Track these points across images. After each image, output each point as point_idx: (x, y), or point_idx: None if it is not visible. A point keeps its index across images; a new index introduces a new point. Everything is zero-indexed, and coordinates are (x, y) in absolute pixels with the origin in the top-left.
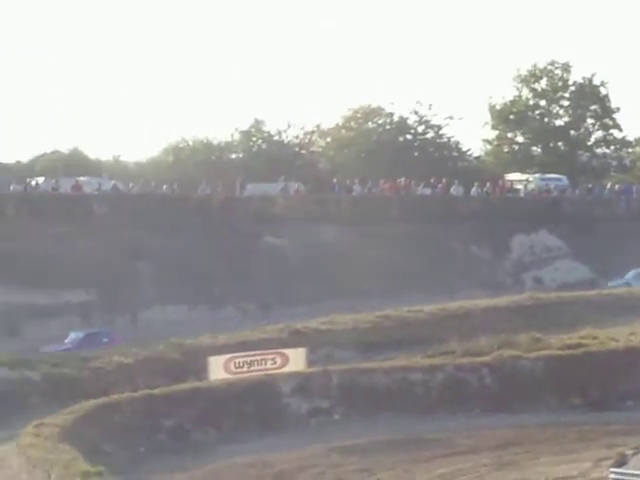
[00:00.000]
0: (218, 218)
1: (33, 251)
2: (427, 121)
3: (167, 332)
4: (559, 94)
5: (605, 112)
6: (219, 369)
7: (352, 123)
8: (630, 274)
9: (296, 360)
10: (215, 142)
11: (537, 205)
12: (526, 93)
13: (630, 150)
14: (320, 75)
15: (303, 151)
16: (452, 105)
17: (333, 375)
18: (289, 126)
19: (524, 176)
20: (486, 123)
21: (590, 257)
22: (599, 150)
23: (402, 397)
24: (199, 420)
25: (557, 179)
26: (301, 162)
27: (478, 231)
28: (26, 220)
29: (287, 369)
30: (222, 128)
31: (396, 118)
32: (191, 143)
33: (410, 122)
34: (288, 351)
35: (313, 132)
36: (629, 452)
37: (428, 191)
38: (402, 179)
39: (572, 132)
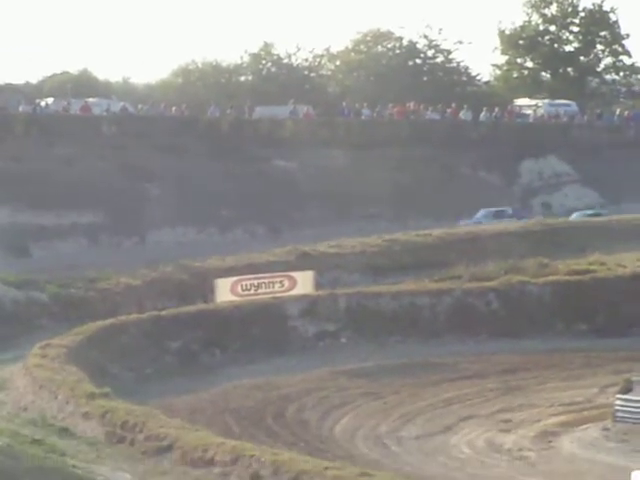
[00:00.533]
0: (227, 141)
1: (41, 172)
2: (437, 45)
3: (175, 254)
4: (569, 20)
5: (615, 38)
6: (226, 291)
7: (361, 46)
8: (480, 213)
9: (304, 283)
10: (224, 64)
11: (546, 131)
12: (536, 18)
13: (639, 77)
14: None
15: (312, 74)
16: (462, 30)
17: (340, 298)
18: (298, 49)
19: (533, 101)
20: (496, 48)
21: (599, 183)
22: (608, 76)
23: (409, 321)
24: (206, 342)
25: (566, 105)
26: (310, 85)
27: (487, 156)
28: (35, 141)
29: (294, 292)
30: (231, 50)
31: (405, 42)
32: (200, 65)
33: (420, 46)
34: (296, 274)
35: (322, 55)
36: (635, 378)
37: (437, 116)
38: (411, 103)
39: (582, 58)
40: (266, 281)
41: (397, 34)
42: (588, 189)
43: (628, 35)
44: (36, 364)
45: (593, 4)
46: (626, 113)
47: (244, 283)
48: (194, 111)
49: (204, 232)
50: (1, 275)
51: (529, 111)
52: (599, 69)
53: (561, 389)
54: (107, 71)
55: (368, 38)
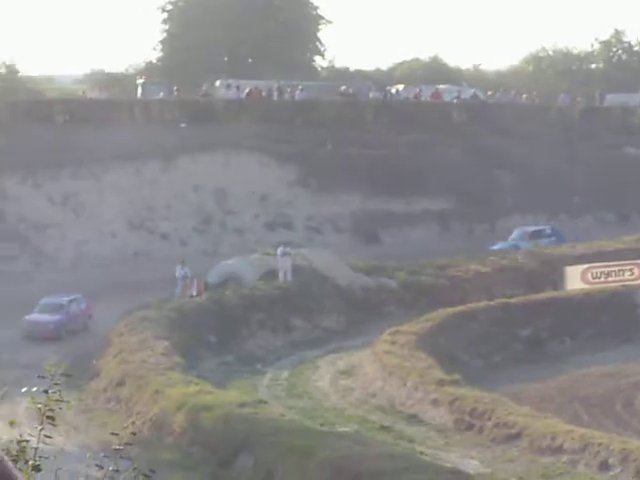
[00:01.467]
0: (578, 128)
1: (391, 158)
2: None
3: None
4: None
5: None
6: (576, 279)
7: None
8: (515, 234)
9: None
10: (575, 52)
11: None
12: None
13: None
14: None
15: None
16: None
17: None
18: None
19: None
20: None
21: None
22: None
23: None
24: (555, 330)
25: None
26: None
27: None
28: (385, 127)
29: None
30: (582, 38)
31: None
32: (551, 52)
33: None
34: None
35: None
36: None
37: None
38: None
39: None
40: (616, 269)
41: None
42: None
43: None
44: (385, 350)
45: None
46: None
47: (594, 271)
48: (544, 99)
49: (555, 219)
50: (352, 261)
51: None
52: None
53: None
54: (458, 58)
55: None
